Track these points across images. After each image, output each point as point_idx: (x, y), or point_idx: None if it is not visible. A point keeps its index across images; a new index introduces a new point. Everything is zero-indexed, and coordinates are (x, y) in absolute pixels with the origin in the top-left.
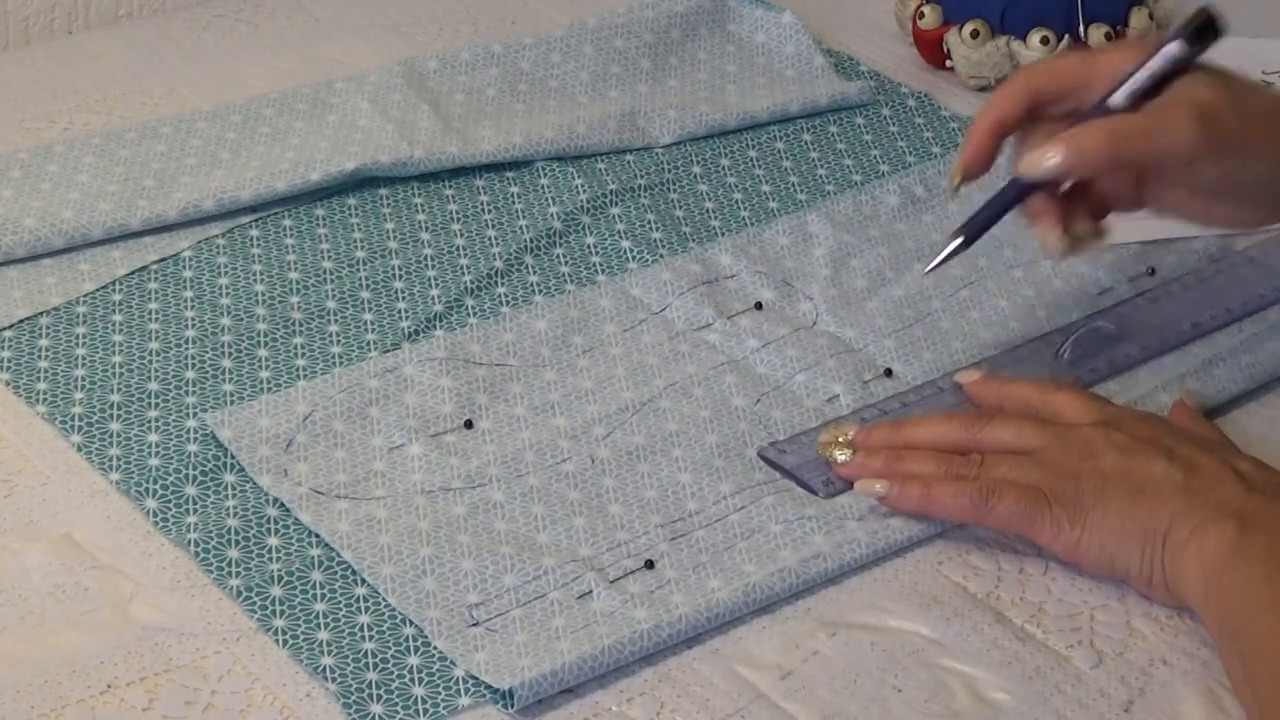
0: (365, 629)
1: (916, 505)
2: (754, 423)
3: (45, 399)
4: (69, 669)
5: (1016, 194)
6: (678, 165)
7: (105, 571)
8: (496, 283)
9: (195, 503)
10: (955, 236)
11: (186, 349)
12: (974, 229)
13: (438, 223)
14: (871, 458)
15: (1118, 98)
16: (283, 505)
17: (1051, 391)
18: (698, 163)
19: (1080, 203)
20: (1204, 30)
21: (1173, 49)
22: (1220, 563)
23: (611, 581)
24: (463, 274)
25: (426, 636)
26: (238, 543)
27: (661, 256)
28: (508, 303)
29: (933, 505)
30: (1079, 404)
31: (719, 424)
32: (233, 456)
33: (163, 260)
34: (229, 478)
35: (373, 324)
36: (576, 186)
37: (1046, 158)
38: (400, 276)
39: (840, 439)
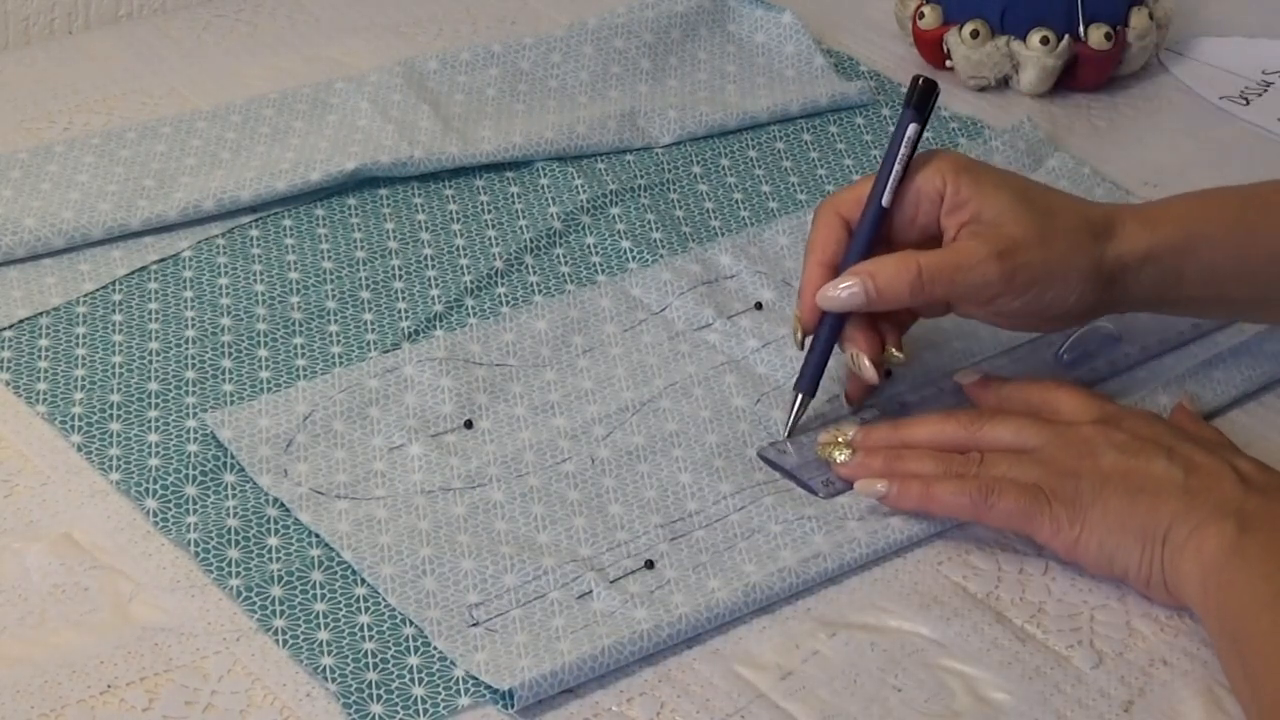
0: (365, 629)
1: (916, 504)
2: (754, 423)
3: (45, 399)
4: (69, 669)
5: (832, 325)
6: (678, 165)
7: (105, 571)
8: (496, 283)
9: (195, 503)
10: (796, 393)
11: (186, 349)
12: (808, 381)
13: (438, 223)
14: (871, 457)
15: (886, 197)
16: (283, 505)
17: (1051, 389)
18: (698, 163)
19: (889, 316)
20: (925, 96)
21: (911, 131)
22: (1220, 562)
23: (611, 581)
24: (463, 274)
25: (426, 636)
26: (238, 543)
27: (661, 256)
28: (508, 303)
29: (933, 503)
30: (1079, 402)
31: (719, 424)
32: (233, 456)
33: (163, 260)
34: (229, 478)
35: (373, 324)
36: (576, 186)
37: (843, 288)
38: (400, 276)
39: (840, 439)
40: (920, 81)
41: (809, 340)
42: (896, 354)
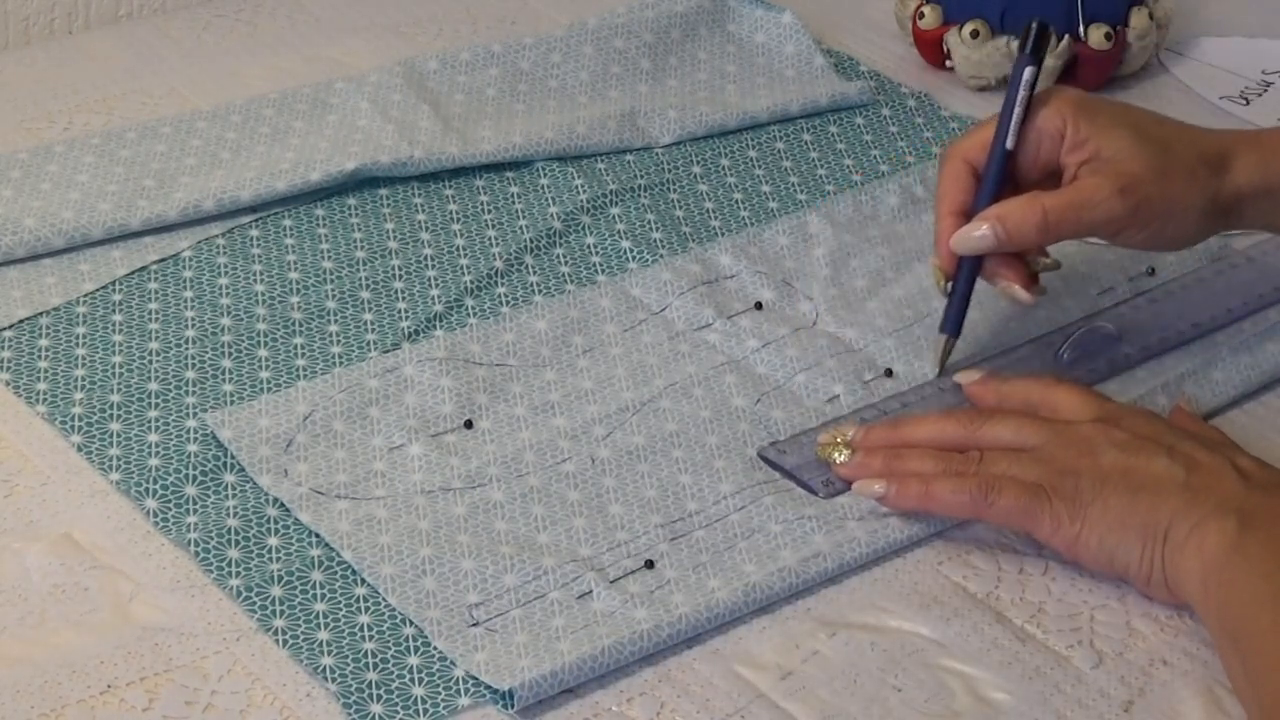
0: (365, 629)
1: (916, 503)
2: (754, 423)
3: (45, 399)
4: (69, 669)
5: (970, 266)
6: (678, 165)
7: (105, 571)
8: (496, 283)
9: (195, 503)
10: (943, 335)
11: (186, 349)
12: (953, 322)
13: (438, 223)
14: (870, 457)
15: (1010, 140)
16: (283, 505)
17: (1051, 388)
18: (698, 163)
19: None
20: (1040, 39)
21: (1028, 74)
22: (1221, 559)
23: (611, 581)
24: (463, 274)
25: (426, 636)
26: (238, 543)
27: (661, 256)
28: (508, 303)
29: (932, 503)
30: (1078, 400)
31: (719, 424)
32: (233, 456)
33: (163, 260)
34: (229, 478)
35: (373, 324)
36: (576, 186)
37: (976, 234)
38: (400, 276)
39: (839, 439)
40: (1034, 25)
41: (950, 285)
42: (1047, 260)
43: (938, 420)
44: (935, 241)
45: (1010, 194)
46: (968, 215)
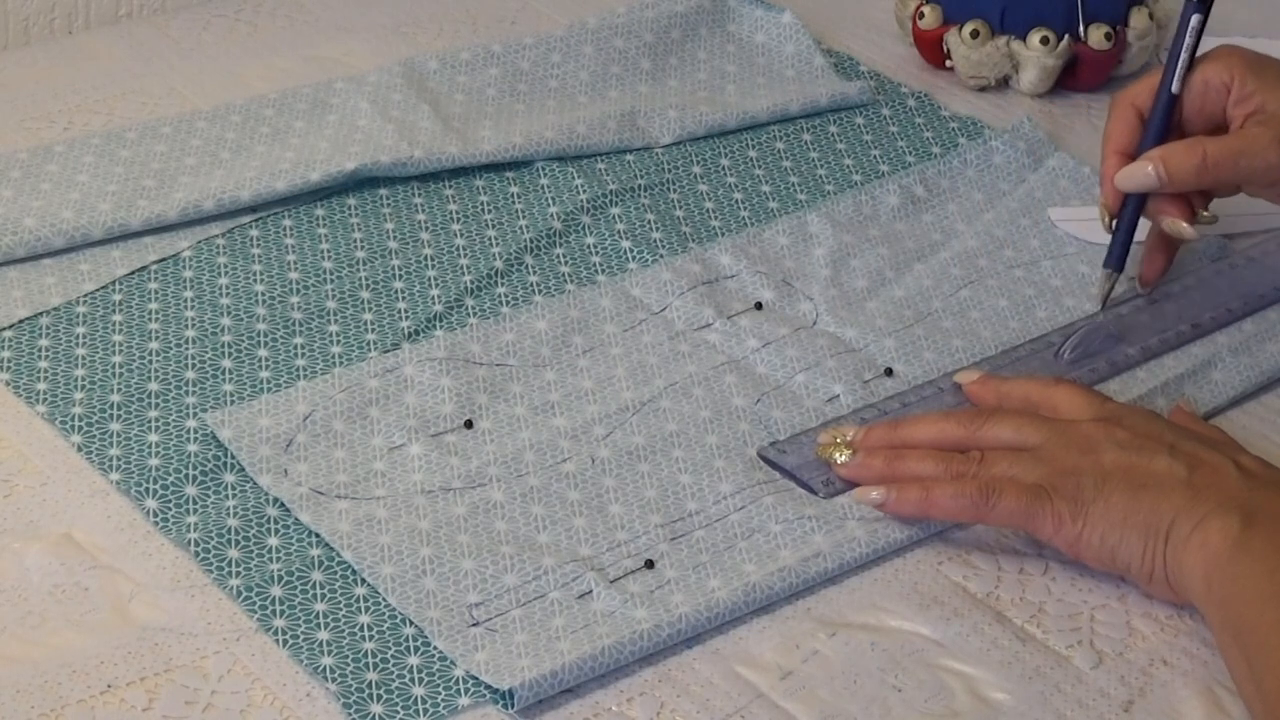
0: (365, 629)
1: (916, 509)
2: (754, 423)
3: (45, 399)
4: (69, 669)
5: (1134, 204)
6: (678, 165)
7: (105, 571)
8: (496, 283)
9: (195, 503)
10: (1107, 270)
11: (186, 349)
12: (1117, 257)
13: (438, 223)
14: (871, 458)
15: (1175, 85)
16: (283, 505)
17: (1051, 386)
18: (698, 163)
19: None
20: None
21: (1195, 21)
22: (1224, 556)
23: (612, 581)
24: (463, 274)
25: (426, 636)
26: (238, 543)
27: (661, 256)
28: (508, 303)
29: (932, 508)
30: (1079, 399)
31: (719, 424)
32: (233, 456)
33: (163, 260)
34: (229, 478)
35: (373, 324)
36: (576, 186)
37: (1142, 172)
38: (400, 276)
39: (839, 440)
40: None
41: (1114, 222)
42: (1206, 214)
43: (938, 420)
44: (1100, 180)
45: (1175, 139)
46: (1132, 156)
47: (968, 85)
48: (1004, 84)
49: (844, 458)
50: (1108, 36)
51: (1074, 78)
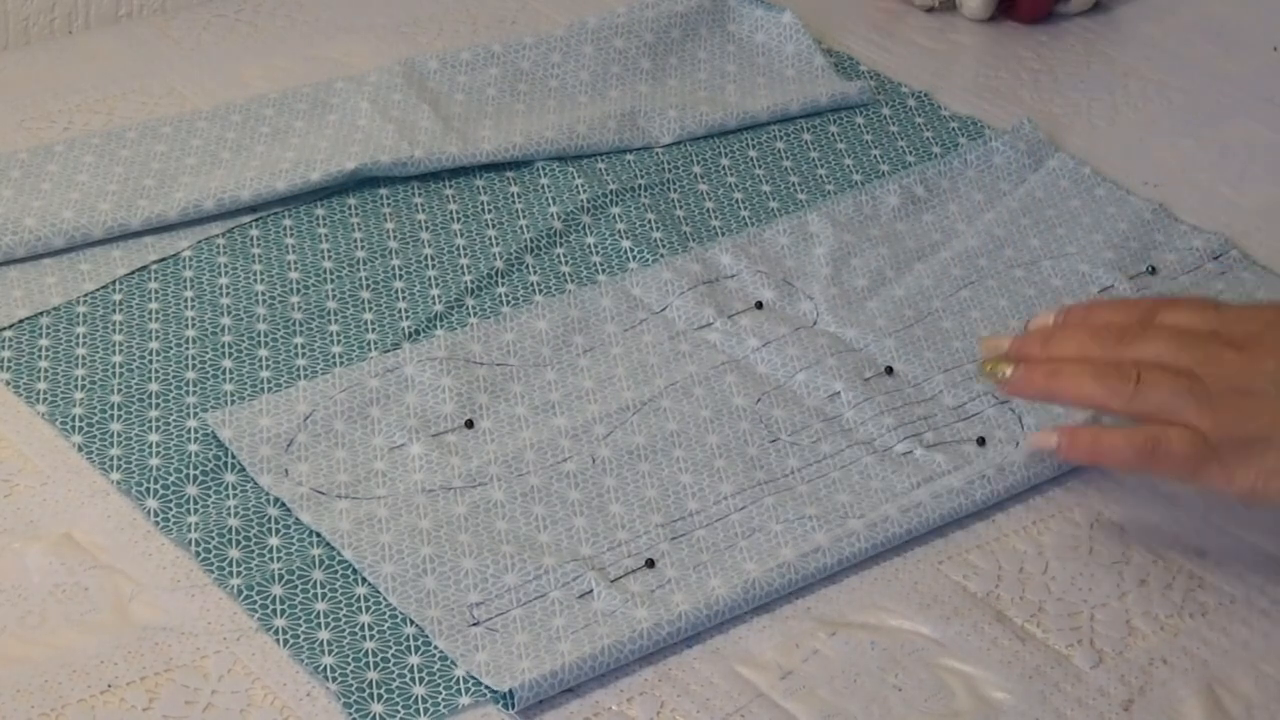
0: (366, 628)
1: (1086, 456)
2: (754, 422)
3: (45, 399)
4: (69, 669)
5: None
6: (678, 165)
7: (105, 571)
8: (497, 282)
9: (196, 502)
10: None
11: (187, 349)
12: None
13: (438, 223)
14: (1031, 371)
15: None
16: (283, 505)
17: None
18: (698, 163)
19: None
20: None
21: None
22: None
23: (612, 581)
24: (463, 274)
25: (427, 636)
26: (238, 542)
27: (662, 256)
28: (508, 302)
29: (1101, 456)
30: (1190, 314)
31: (719, 423)
32: (233, 456)
33: (163, 260)
34: (229, 477)
35: (373, 324)
36: (576, 186)
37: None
38: (400, 276)
39: (999, 361)
40: None
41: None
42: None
43: (1086, 336)
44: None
45: None
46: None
47: (916, 6)
48: (950, 6)
49: (1008, 373)
50: None
51: (1016, 7)
